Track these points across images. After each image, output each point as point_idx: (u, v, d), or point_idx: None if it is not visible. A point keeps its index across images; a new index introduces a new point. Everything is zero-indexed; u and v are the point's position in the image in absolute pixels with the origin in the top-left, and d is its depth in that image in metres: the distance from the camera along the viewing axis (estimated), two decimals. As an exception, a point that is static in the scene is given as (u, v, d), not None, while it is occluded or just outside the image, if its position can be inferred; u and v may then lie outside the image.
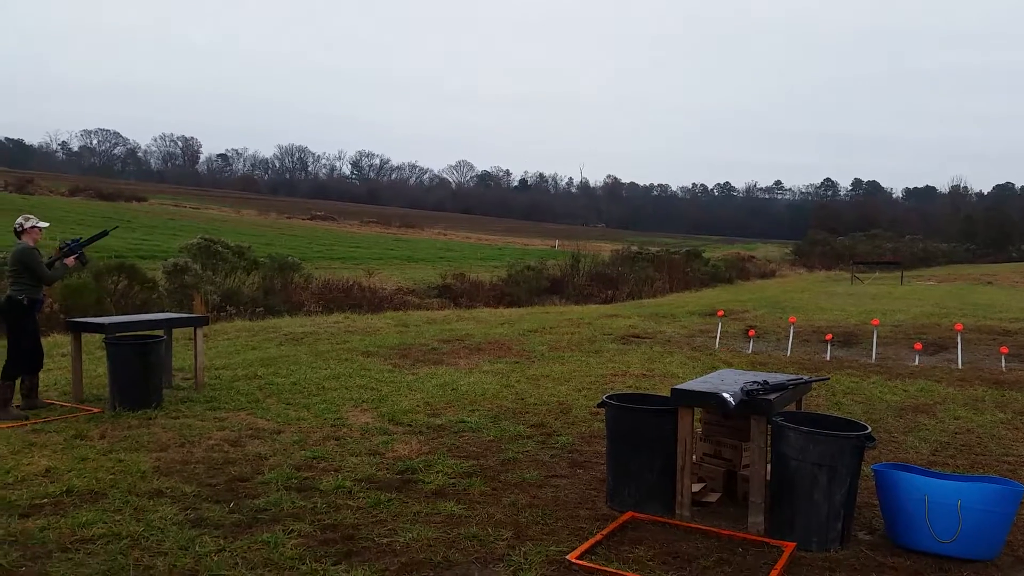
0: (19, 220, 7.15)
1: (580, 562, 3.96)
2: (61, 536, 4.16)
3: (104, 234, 8.03)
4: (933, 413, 7.61)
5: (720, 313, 14.27)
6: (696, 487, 4.91)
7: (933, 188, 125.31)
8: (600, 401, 5.08)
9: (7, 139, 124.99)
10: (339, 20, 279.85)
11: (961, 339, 11.16)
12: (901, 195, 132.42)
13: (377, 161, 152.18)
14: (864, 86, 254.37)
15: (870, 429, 4.37)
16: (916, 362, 10.68)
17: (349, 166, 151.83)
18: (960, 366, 10.42)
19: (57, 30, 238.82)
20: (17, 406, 7.00)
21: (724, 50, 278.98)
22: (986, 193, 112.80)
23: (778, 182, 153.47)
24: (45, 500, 4.71)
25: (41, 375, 7.46)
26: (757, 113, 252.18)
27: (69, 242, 7.46)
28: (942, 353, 11.62)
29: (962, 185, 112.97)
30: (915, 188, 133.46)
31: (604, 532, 4.38)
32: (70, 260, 7.30)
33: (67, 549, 4.00)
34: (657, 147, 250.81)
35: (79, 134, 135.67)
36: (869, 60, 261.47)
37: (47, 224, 7.27)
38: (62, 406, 7.23)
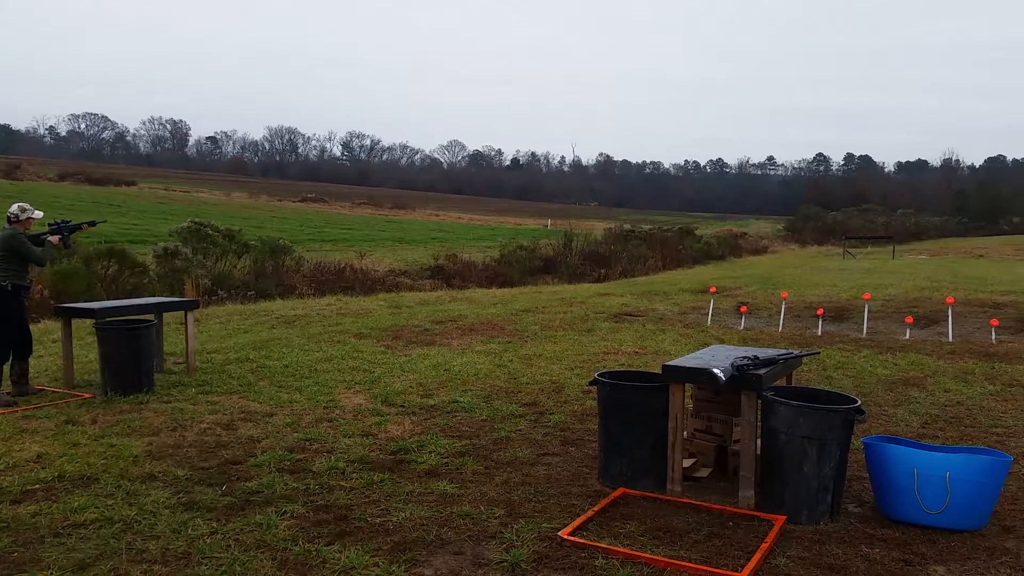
0: (14, 209, 7.07)
1: (572, 538, 3.98)
2: (53, 521, 4.16)
3: (92, 224, 8.00)
4: (923, 386, 7.66)
5: (712, 290, 14.29)
6: (687, 462, 4.94)
7: (925, 162, 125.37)
8: (592, 379, 5.09)
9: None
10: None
11: (952, 312, 11.21)
12: (893, 169, 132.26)
13: (368, 142, 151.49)
14: (856, 59, 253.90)
15: (860, 403, 4.39)
16: (907, 336, 10.73)
17: (339, 147, 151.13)
18: (951, 339, 10.47)
19: (41, 13, 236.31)
20: (8, 392, 6.98)
21: (715, 24, 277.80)
22: (978, 166, 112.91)
23: (771, 158, 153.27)
24: (37, 486, 4.71)
25: (32, 361, 7.44)
26: (750, 88, 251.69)
27: (58, 222, 7.44)
28: (933, 327, 11.68)
29: (954, 158, 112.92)
30: (907, 162, 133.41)
31: (596, 508, 4.40)
32: (54, 239, 7.27)
33: (59, 534, 4.00)
34: (649, 124, 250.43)
35: (67, 118, 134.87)
36: (861, 32, 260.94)
37: (41, 214, 7.23)
38: (53, 392, 7.21)
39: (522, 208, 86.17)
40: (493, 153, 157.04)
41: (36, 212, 7.16)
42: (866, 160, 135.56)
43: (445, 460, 5.31)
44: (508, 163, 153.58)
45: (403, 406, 6.80)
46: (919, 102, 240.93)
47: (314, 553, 3.80)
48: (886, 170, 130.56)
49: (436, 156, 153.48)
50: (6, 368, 7.04)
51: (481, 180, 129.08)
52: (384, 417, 6.40)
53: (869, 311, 11.91)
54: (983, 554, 3.90)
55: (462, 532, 4.10)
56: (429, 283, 21.42)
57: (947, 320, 11.09)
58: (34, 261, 7.00)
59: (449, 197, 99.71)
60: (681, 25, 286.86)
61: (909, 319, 11.24)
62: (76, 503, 4.39)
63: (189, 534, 4.01)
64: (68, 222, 7.52)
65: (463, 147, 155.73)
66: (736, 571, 3.63)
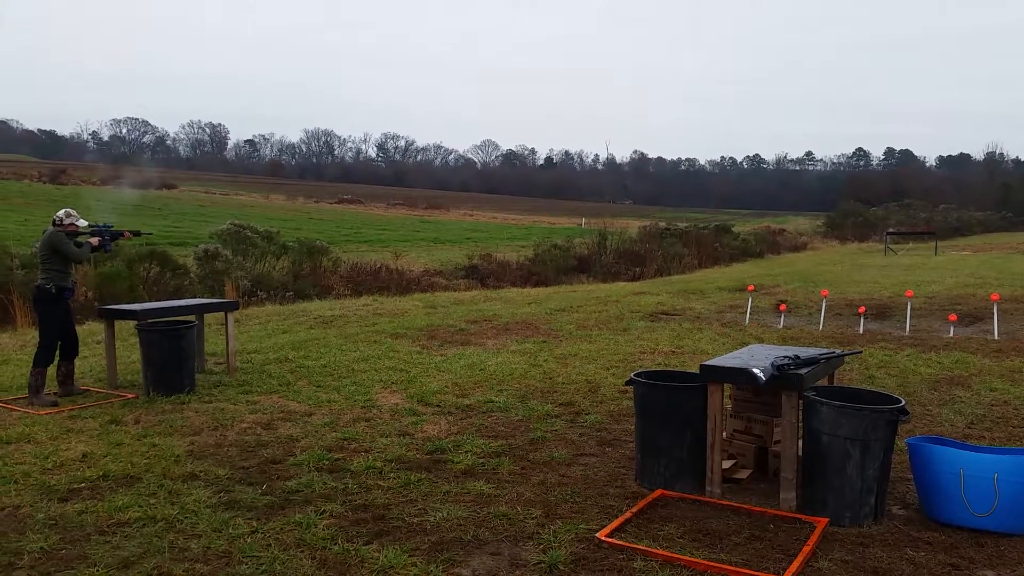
0: (60, 214, 7.31)
1: (610, 540, 3.95)
2: (98, 519, 4.24)
3: (136, 234, 8.18)
4: (968, 385, 7.49)
5: (750, 288, 14.12)
6: (726, 464, 4.88)
7: (968, 155, 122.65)
8: (628, 379, 5.06)
9: (40, 130, 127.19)
10: (360, 1, 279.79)
11: (997, 309, 10.94)
12: (935, 163, 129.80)
13: (402, 143, 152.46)
14: (895, 51, 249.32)
15: (904, 402, 4.30)
16: (951, 334, 10.50)
17: (375, 149, 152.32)
18: (996, 337, 10.22)
19: (85, 21, 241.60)
20: (54, 393, 7.15)
21: (750, 17, 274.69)
22: (1023, 159, 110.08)
23: (809, 153, 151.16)
24: (83, 484, 4.81)
25: (76, 362, 7.60)
26: (788, 82, 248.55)
27: (100, 225, 7.62)
28: (978, 324, 11.41)
29: (997, 151, 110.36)
30: (949, 156, 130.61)
31: (634, 510, 4.37)
32: (94, 240, 7.45)
33: (104, 532, 4.08)
34: (684, 120, 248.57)
35: (109, 123, 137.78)
36: (900, 23, 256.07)
37: (85, 223, 7.43)
38: (97, 392, 7.36)
39: (556, 207, 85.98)
40: (526, 152, 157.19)
41: (81, 220, 7.36)
42: (907, 154, 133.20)
43: (481, 460, 5.31)
44: (542, 162, 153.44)
45: (439, 406, 6.82)
46: (961, 94, 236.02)
47: (353, 552, 3.83)
48: (927, 164, 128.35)
49: (470, 156, 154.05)
50: (52, 369, 7.21)
51: (515, 179, 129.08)
52: (420, 417, 6.43)
53: (912, 309, 11.68)
54: (1034, 558, 3.80)
55: (499, 533, 4.09)
56: (464, 283, 21.47)
57: (992, 317, 10.82)
58: (72, 258, 7.17)
59: (483, 197, 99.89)
60: (715, 19, 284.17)
61: (953, 316, 11.00)
62: (120, 502, 4.48)
63: (230, 533, 4.06)
64: (110, 226, 7.69)
65: (496, 147, 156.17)
66: (778, 574, 3.57)
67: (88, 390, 7.43)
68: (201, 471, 5.05)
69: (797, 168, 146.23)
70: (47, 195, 44.55)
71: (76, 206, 7.75)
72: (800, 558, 3.70)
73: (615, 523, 4.16)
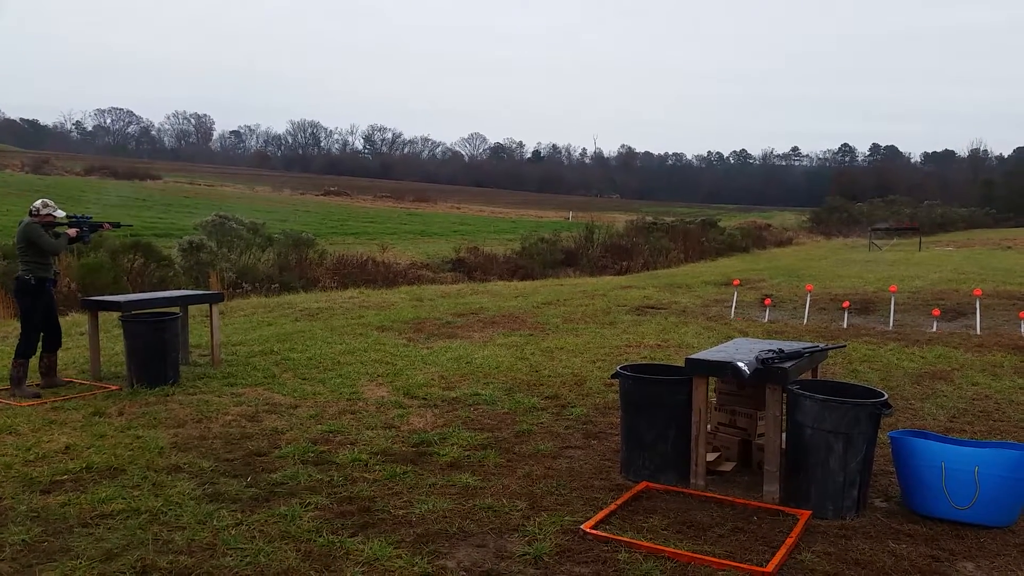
0: (37, 204, 7.20)
1: (595, 532, 3.97)
2: (81, 512, 4.21)
3: (116, 225, 8.10)
4: (951, 379, 7.56)
5: (736, 282, 14.18)
6: (711, 456, 4.90)
7: (952, 152, 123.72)
8: (614, 372, 5.07)
9: (22, 119, 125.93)
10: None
11: (980, 305, 11.05)
12: (920, 160, 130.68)
13: (390, 135, 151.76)
14: (882, 48, 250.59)
15: (886, 396, 4.34)
16: (934, 328, 10.59)
17: (362, 140, 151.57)
18: (979, 332, 10.32)
19: (68, 9, 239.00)
20: (37, 384, 7.09)
21: (740, 12, 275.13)
22: (1006, 156, 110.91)
23: (795, 148, 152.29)
24: (65, 476, 4.77)
25: (60, 353, 7.53)
26: (775, 78, 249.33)
27: (79, 216, 7.54)
28: (960, 319, 11.51)
29: (982, 149, 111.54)
30: (934, 152, 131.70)
31: (618, 502, 4.38)
32: (72, 231, 7.36)
33: (87, 524, 4.05)
34: (672, 115, 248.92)
35: (92, 113, 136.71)
36: (887, 20, 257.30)
37: (63, 213, 7.32)
38: (81, 384, 7.31)
39: (543, 201, 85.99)
40: (514, 145, 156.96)
41: (58, 211, 7.23)
42: (892, 150, 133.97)
43: (467, 453, 5.31)
44: (529, 155, 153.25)
45: (425, 398, 6.82)
46: (946, 92, 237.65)
47: (338, 544, 3.82)
48: (912, 160, 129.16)
49: (457, 149, 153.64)
50: (34, 360, 7.14)
51: (502, 173, 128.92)
52: (406, 409, 6.42)
53: (895, 304, 11.76)
54: (1014, 551, 3.84)
55: (484, 525, 4.10)
56: (450, 276, 21.46)
57: (975, 313, 10.93)
58: (47, 250, 7.06)
59: (471, 190, 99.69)
60: (703, 15, 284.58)
61: (936, 312, 11.10)
62: (103, 494, 4.45)
63: (214, 525, 4.05)
64: (89, 218, 7.61)
65: (484, 140, 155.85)
66: (761, 566, 3.60)
67: (71, 381, 7.37)
68: (185, 463, 5.03)
69: (783, 164, 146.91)
70: (29, 185, 44.11)
71: (58, 196, 7.66)
72: (783, 550, 3.73)
73: (600, 515, 4.18)
